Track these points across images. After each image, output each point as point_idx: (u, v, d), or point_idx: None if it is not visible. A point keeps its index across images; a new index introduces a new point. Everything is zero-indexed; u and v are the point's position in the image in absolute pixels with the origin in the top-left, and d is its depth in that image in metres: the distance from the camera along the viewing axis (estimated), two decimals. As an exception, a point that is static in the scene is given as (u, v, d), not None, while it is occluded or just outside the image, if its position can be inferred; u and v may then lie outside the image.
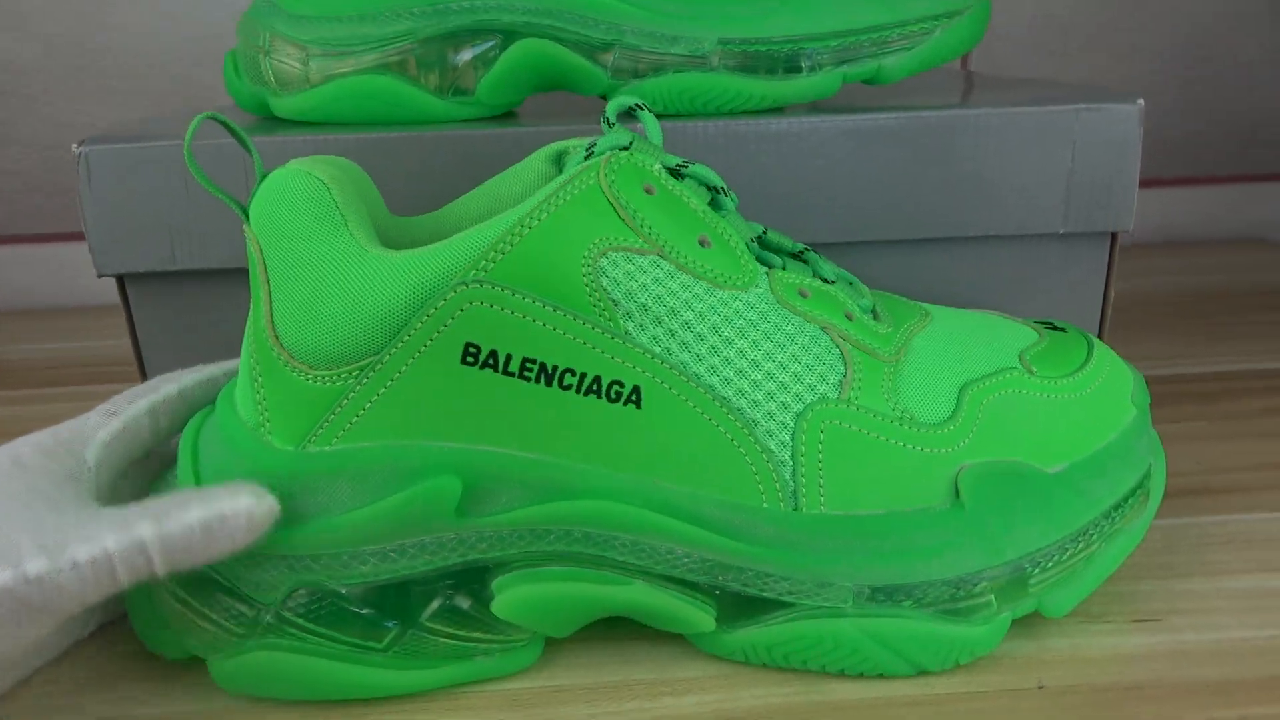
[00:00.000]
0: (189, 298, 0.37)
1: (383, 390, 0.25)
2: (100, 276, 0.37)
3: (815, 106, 0.37)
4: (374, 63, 0.37)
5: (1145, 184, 0.67)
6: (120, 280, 0.38)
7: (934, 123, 0.35)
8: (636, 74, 0.37)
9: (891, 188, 0.36)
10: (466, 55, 0.37)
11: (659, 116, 0.37)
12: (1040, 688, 0.27)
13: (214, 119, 0.26)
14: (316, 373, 0.25)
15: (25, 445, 0.26)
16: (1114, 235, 0.37)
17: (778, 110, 0.37)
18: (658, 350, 0.26)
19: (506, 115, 0.39)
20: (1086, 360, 0.30)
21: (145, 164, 0.35)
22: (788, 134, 0.35)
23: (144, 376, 0.38)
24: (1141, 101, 0.36)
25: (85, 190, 0.35)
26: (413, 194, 0.36)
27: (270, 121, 0.39)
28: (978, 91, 0.40)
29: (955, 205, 0.36)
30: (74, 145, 0.35)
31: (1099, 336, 0.39)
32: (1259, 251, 0.66)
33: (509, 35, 0.37)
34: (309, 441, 0.26)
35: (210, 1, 0.62)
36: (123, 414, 0.29)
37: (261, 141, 0.36)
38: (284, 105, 0.38)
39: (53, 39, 0.62)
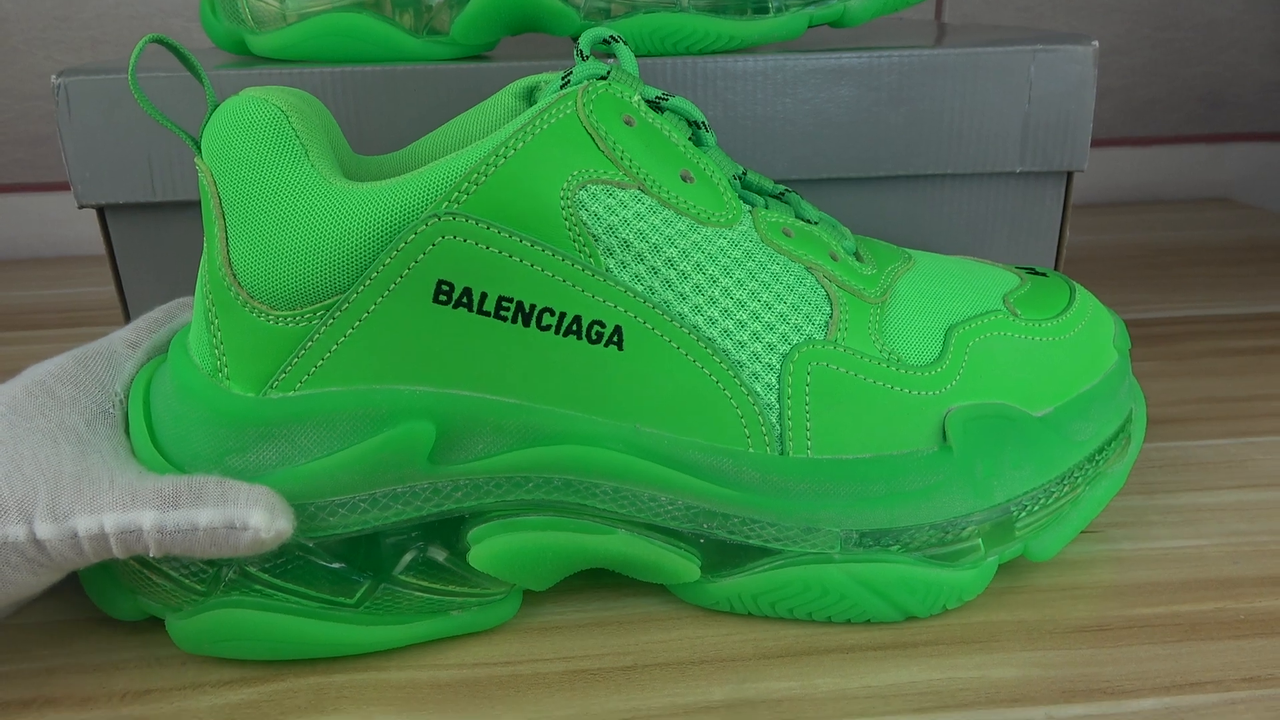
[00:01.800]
0: (170, 229, 0.35)
1: (349, 331, 0.22)
2: (81, 208, 0.33)
3: (782, 47, 0.34)
4: (349, 1, 0.33)
5: (1113, 143, 0.65)
6: (101, 212, 0.34)
7: (895, 63, 0.34)
8: (609, 15, 0.33)
9: (854, 127, 0.34)
10: None
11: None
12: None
13: (160, 41, 0.22)
14: (277, 313, 0.22)
15: (53, 375, 0.25)
16: (1069, 175, 0.35)
17: (745, 50, 0.34)
18: (640, 288, 0.22)
19: (481, 55, 0.35)
20: (1069, 304, 0.27)
21: (123, 95, 0.33)
22: (754, 72, 0.33)
23: (126, 310, 0.35)
24: (1096, 43, 0.33)
25: (64, 122, 0.32)
26: (385, 131, 0.32)
27: (243, 61, 0.36)
28: (940, 36, 0.37)
29: (916, 144, 0.35)
30: (53, 77, 0.32)
31: (1055, 275, 0.37)
32: (1223, 210, 0.64)
33: None
34: (270, 387, 0.22)
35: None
36: (145, 344, 0.27)
37: (225, 75, 0.32)
38: (261, 43, 0.35)
39: (19, -11, 0.57)
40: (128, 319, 0.36)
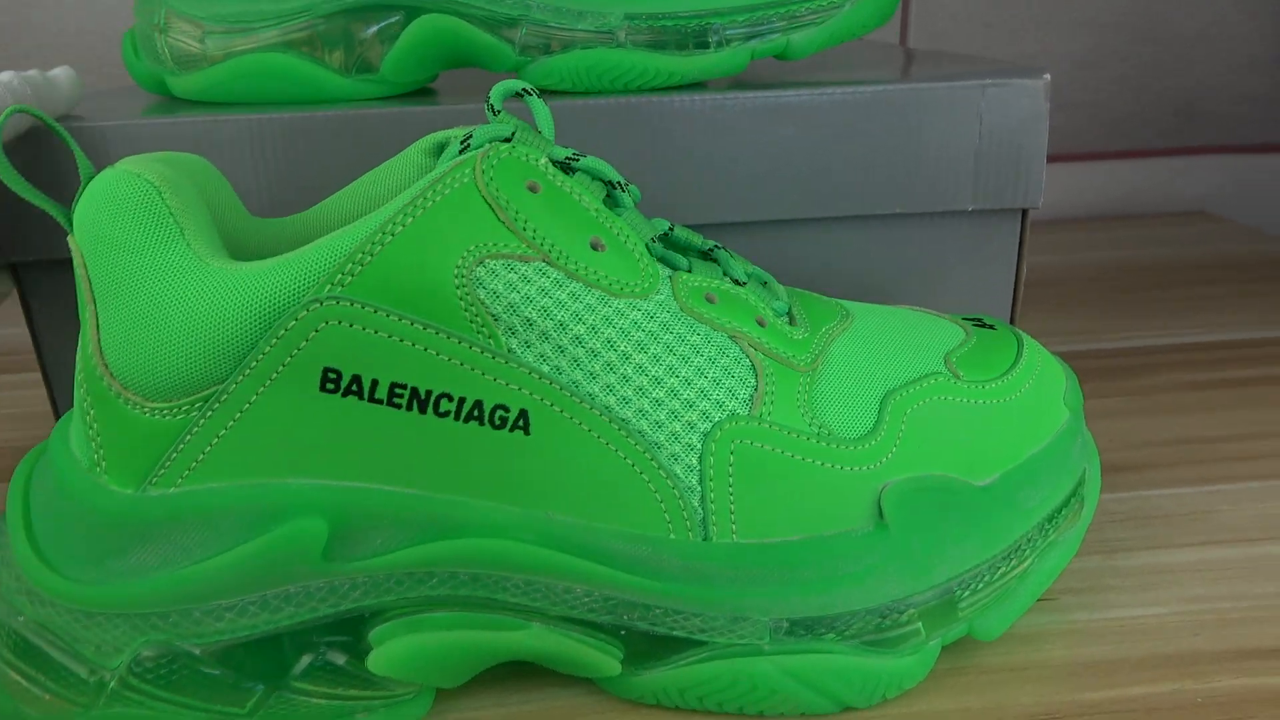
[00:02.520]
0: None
1: (230, 424, 0.20)
2: None
3: (723, 83, 0.33)
4: (275, 40, 0.33)
5: (1085, 157, 0.63)
6: (13, 269, 0.32)
7: (841, 99, 0.32)
8: (545, 50, 0.32)
9: (800, 165, 0.33)
10: (370, 31, 0.33)
11: (567, 94, 0.32)
12: None
13: (24, 111, 0.20)
14: (153, 405, 0.20)
15: None
16: (1024, 211, 0.33)
17: (687, 86, 0.32)
18: (546, 369, 0.21)
19: (421, 93, 0.34)
20: (1016, 361, 0.26)
21: (34, 144, 0.30)
22: (696, 111, 0.32)
23: (45, 372, 0.33)
24: (1048, 76, 0.32)
25: None
26: (304, 182, 0.31)
27: (171, 103, 0.34)
28: (888, 68, 0.36)
29: (864, 183, 0.33)
30: None
31: (1012, 315, 0.35)
32: (1196, 223, 0.63)
33: (412, 11, 0.33)
34: (149, 483, 0.21)
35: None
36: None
37: (140, 126, 0.30)
38: (182, 85, 0.34)
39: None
40: (47, 379, 0.34)
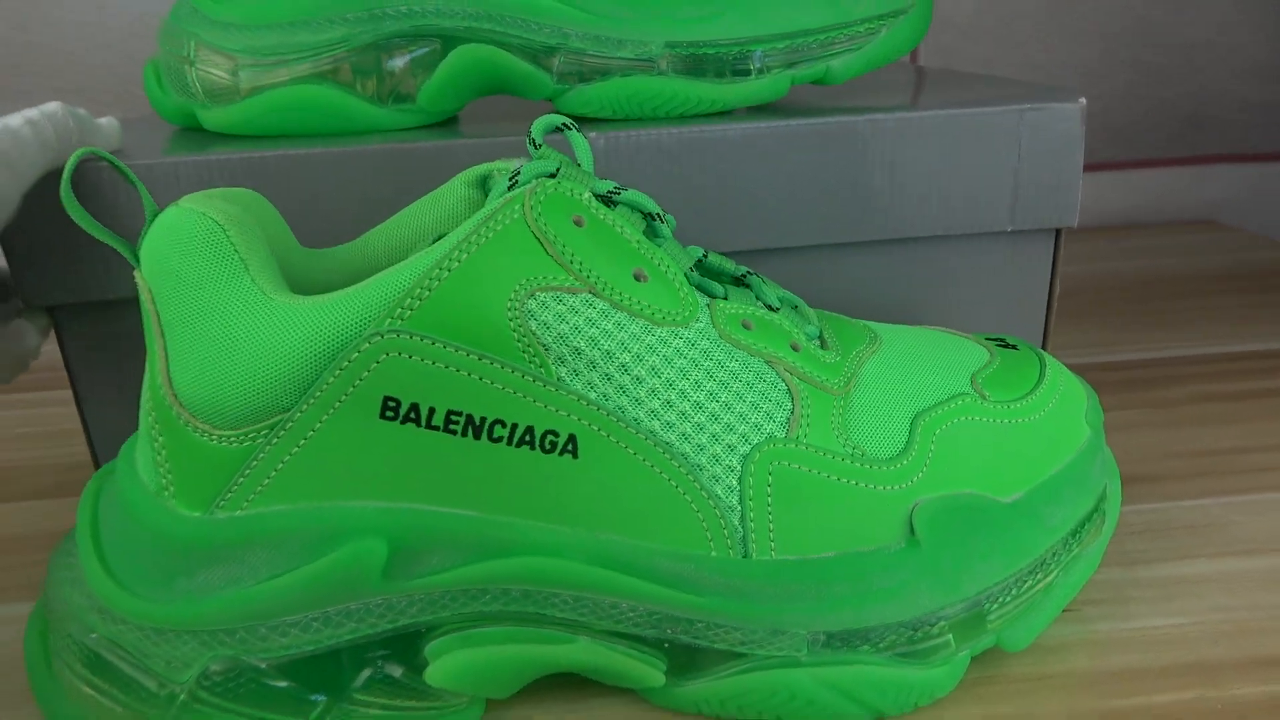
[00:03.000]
0: (127, 326, 0.33)
1: (295, 450, 0.21)
2: (28, 310, 0.32)
3: (763, 109, 0.34)
4: (308, 71, 0.33)
5: (1093, 168, 0.64)
6: (50, 311, 0.33)
7: (882, 126, 0.33)
8: (582, 78, 0.33)
9: (840, 191, 0.34)
10: (405, 61, 0.34)
11: (606, 121, 0.33)
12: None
13: (94, 154, 0.21)
14: (221, 433, 0.21)
15: None
16: (1058, 231, 0.34)
17: (727, 113, 0.33)
18: (593, 396, 0.22)
19: (448, 121, 0.35)
20: (1039, 381, 0.27)
21: (77, 185, 0.31)
22: (739, 139, 0.33)
23: (80, 405, 0.34)
24: (1083, 100, 0.33)
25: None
26: (341, 214, 0.32)
27: (199, 135, 0.35)
28: (925, 92, 0.37)
29: (904, 207, 0.34)
30: None
31: (1044, 333, 0.36)
32: (1207, 232, 0.63)
33: (448, 40, 0.34)
34: (217, 507, 0.22)
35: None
36: (49, 141, 0.29)
37: (171, 164, 0.31)
38: (214, 118, 0.34)
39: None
40: (81, 413, 0.35)
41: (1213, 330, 0.48)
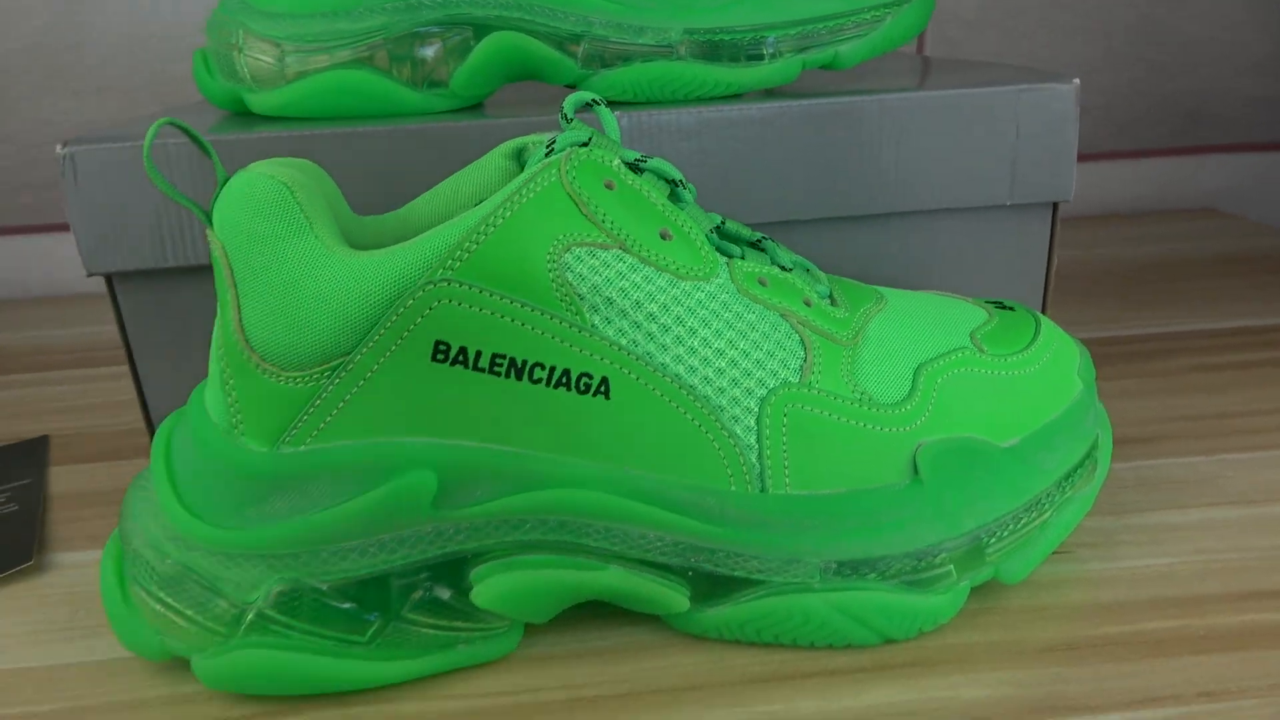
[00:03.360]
0: (178, 294, 0.36)
1: (355, 390, 0.24)
2: (90, 275, 0.35)
3: (776, 92, 0.36)
4: (349, 57, 0.36)
5: (1096, 157, 0.66)
6: (109, 279, 0.35)
7: (889, 105, 0.35)
8: (605, 64, 0.35)
9: (849, 167, 0.36)
10: (439, 48, 0.36)
11: (627, 105, 0.35)
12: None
13: (173, 124, 0.24)
14: (287, 374, 0.24)
15: None
16: (1055, 205, 0.36)
17: (740, 95, 0.35)
18: (624, 342, 0.24)
19: (476, 106, 0.37)
20: (1034, 338, 0.29)
21: (130, 163, 0.34)
22: (754, 118, 0.35)
23: (135, 373, 0.36)
24: (1077, 81, 0.35)
25: (71, 190, 0.33)
26: (385, 189, 0.34)
27: (243, 118, 0.37)
28: (929, 76, 0.39)
29: (910, 182, 0.36)
30: (58, 146, 0.33)
31: (1044, 302, 0.39)
32: (1206, 220, 0.65)
33: (481, 28, 0.36)
34: (283, 442, 0.24)
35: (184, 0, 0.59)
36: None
37: (235, 141, 0.34)
38: (260, 101, 0.37)
39: (33, 40, 0.59)
40: (137, 380, 0.37)
41: (1210, 309, 0.50)
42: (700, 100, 0.36)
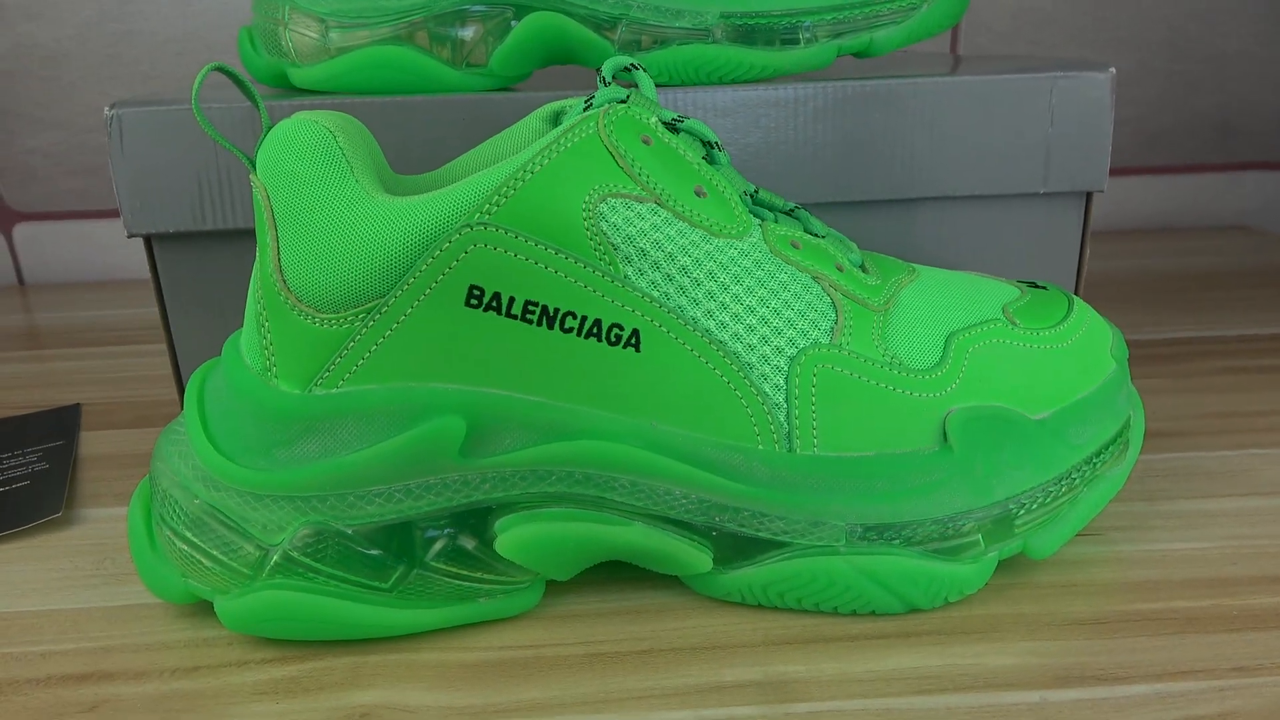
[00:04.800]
0: (214, 257, 0.36)
1: (388, 333, 0.24)
2: (130, 237, 0.35)
3: (812, 75, 0.36)
4: (389, 34, 0.37)
5: (1125, 172, 0.66)
6: (148, 241, 0.36)
7: (923, 89, 0.35)
8: (641, 47, 0.36)
9: (883, 150, 0.36)
10: (479, 29, 0.37)
11: (661, 86, 0.35)
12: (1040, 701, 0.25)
13: (220, 70, 0.24)
14: (323, 316, 0.24)
15: None
16: (1089, 195, 0.36)
17: (776, 79, 0.35)
18: (656, 294, 0.24)
19: (515, 86, 0.38)
20: (1067, 315, 0.29)
21: (175, 126, 0.35)
22: (788, 100, 0.35)
23: (169, 337, 0.37)
24: (1113, 70, 0.35)
25: (116, 152, 0.34)
26: (425, 155, 0.35)
27: (287, 93, 0.38)
28: (964, 63, 0.39)
29: (943, 167, 0.36)
30: (106, 108, 0.34)
31: (1075, 291, 0.38)
32: (1239, 237, 0.65)
33: (521, 9, 0.36)
34: (315, 384, 0.24)
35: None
36: None
37: (275, 106, 0.34)
38: (304, 76, 0.37)
39: (84, 28, 0.61)
40: (171, 343, 0.38)
41: (1242, 318, 0.50)
42: (735, 83, 0.36)
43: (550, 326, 0.24)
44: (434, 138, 0.35)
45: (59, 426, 0.41)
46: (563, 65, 0.42)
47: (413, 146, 0.35)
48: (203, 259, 0.37)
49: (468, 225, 0.24)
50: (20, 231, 0.65)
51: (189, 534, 0.25)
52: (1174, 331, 0.48)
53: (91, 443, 0.39)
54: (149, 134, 0.35)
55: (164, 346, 0.46)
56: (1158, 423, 0.38)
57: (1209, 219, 0.68)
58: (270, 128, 0.25)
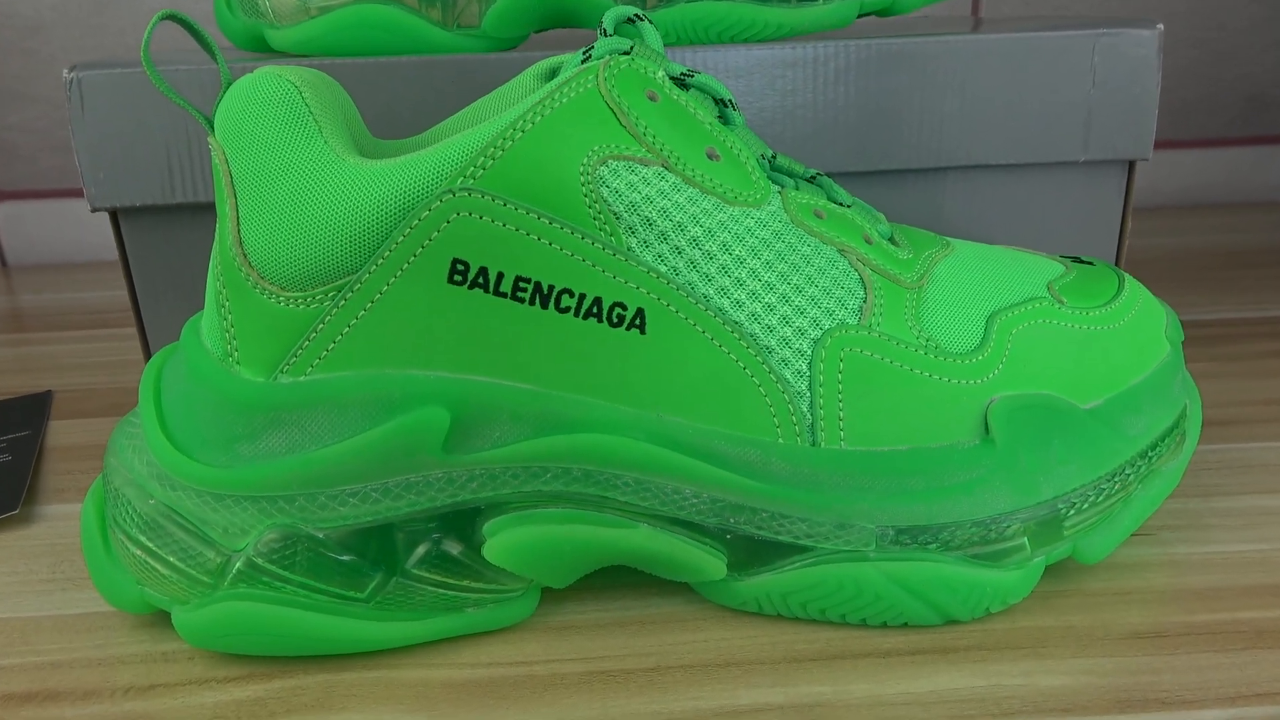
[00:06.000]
0: (186, 232, 0.33)
1: (361, 313, 0.21)
2: (95, 211, 0.32)
3: (833, 34, 0.33)
4: None
5: (1157, 146, 0.62)
6: (114, 216, 0.33)
7: (952, 48, 0.32)
8: (647, 6, 0.32)
9: (909, 115, 0.33)
10: None
11: (670, 46, 0.32)
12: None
13: (173, 17, 0.21)
14: (288, 294, 0.21)
15: None
16: (1131, 164, 0.33)
17: (795, 38, 0.32)
18: (663, 269, 0.21)
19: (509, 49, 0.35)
20: (1118, 293, 0.26)
21: (141, 89, 0.31)
22: (806, 60, 0.32)
23: (139, 320, 0.34)
24: (1161, 26, 0.32)
25: (77, 119, 0.31)
26: (409, 122, 0.31)
27: (264, 58, 0.35)
28: (995, 23, 0.35)
29: (974, 132, 0.33)
30: (65, 70, 0.31)
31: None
32: (1273, 213, 0.61)
33: None
34: (281, 371, 0.21)
35: (213, -40, 0.58)
36: None
37: (246, 68, 0.31)
38: (282, 38, 0.34)
39: (62, 1, 0.58)
40: (141, 326, 0.35)
41: (1278, 297, 0.46)
42: (749, 42, 0.33)
43: (544, 306, 0.21)
44: (419, 101, 0.32)
45: (28, 414, 0.38)
46: (562, 28, 0.39)
47: (397, 111, 0.32)
48: (173, 235, 0.34)
49: (449, 191, 0.21)
50: (2, 211, 0.62)
51: (143, 538, 0.23)
52: (1216, 312, 0.44)
53: (60, 432, 0.37)
54: (112, 98, 0.32)
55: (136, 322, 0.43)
56: (1210, 410, 0.35)
57: (1238, 195, 0.65)
58: (231, 83, 0.22)
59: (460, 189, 0.21)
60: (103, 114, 0.32)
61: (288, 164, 0.21)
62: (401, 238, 0.21)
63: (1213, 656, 0.22)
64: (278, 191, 0.21)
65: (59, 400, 0.40)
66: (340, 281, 0.21)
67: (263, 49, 0.36)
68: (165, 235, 0.34)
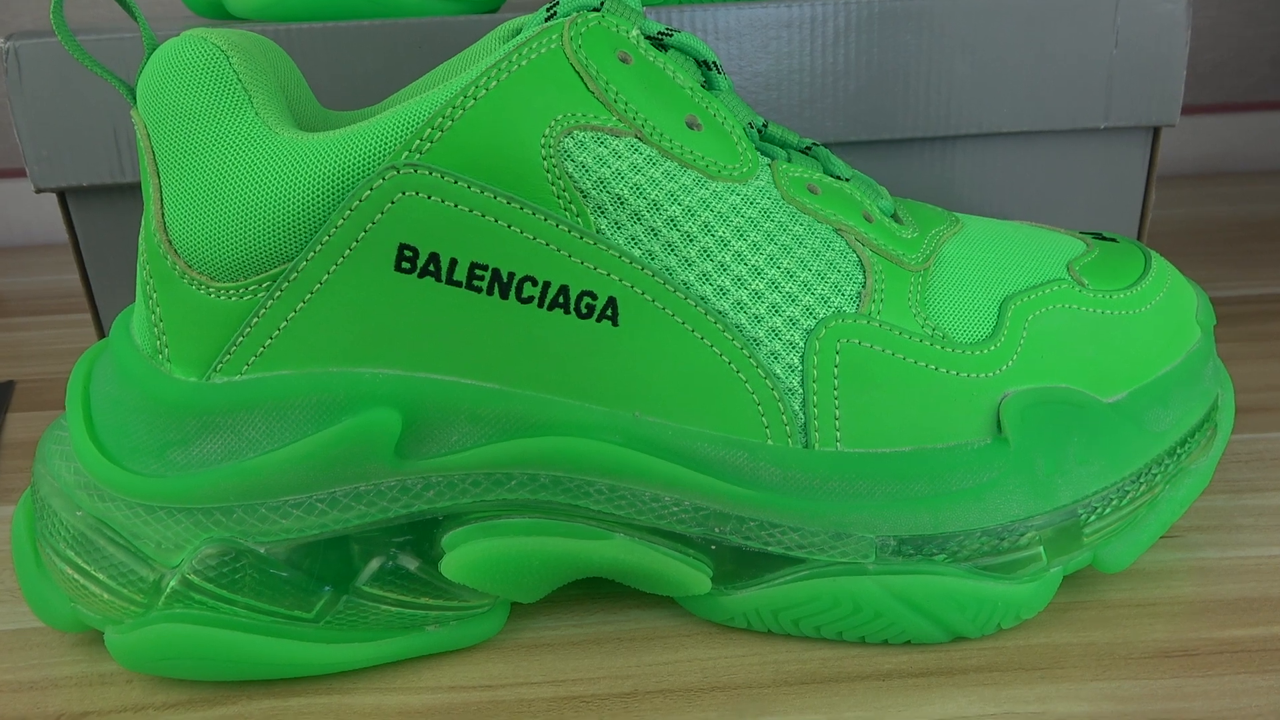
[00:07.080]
0: (140, 214, 0.31)
1: (300, 305, 0.19)
2: (39, 192, 0.30)
3: None
4: None
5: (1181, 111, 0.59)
6: (62, 196, 0.31)
7: (963, 6, 0.29)
8: None
9: (916, 79, 0.30)
10: None
11: (654, 5, 0.29)
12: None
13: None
14: (219, 285, 0.19)
15: None
16: (1156, 130, 0.30)
17: None
18: (637, 253, 0.19)
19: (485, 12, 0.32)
20: (1144, 273, 0.23)
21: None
22: (805, 19, 0.29)
23: (93, 307, 0.32)
24: None
25: (16, 91, 0.29)
26: (370, 91, 0.29)
27: (221, 23, 0.33)
28: None
29: (987, 98, 0.30)
30: (1, 39, 0.28)
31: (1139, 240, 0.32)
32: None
33: None
34: (214, 370, 0.19)
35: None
36: None
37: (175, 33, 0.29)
38: (242, 4, 0.32)
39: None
40: (96, 314, 0.33)
41: (1310, 272, 0.44)
42: (739, 0, 0.30)
43: (504, 295, 0.19)
44: (381, 68, 0.29)
45: (-15, 407, 0.36)
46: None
47: (356, 79, 0.29)
48: (126, 217, 0.32)
49: (393, 168, 0.18)
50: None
51: (71, 554, 0.21)
52: (1241, 288, 0.42)
53: (19, 426, 0.35)
54: (54, 70, 0.29)
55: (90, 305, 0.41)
56: (1237, 395, 0.32)
57: (1264, 163, 0.62)
58: (154, 48, 0.20)
59: (405, 165, 0.18)
60: (44, 87, 0.29)
61: (212, 138, 0.19)
62: (341, 221, 0.19)
63: (1248, 679, 0.20)
64: (203, 169, 0.19)
65: (18, 392, 0.38)
66: (275, 270, 0.19)
67: (222, 15, 0.34)
68: (117, 218, 0.32)
